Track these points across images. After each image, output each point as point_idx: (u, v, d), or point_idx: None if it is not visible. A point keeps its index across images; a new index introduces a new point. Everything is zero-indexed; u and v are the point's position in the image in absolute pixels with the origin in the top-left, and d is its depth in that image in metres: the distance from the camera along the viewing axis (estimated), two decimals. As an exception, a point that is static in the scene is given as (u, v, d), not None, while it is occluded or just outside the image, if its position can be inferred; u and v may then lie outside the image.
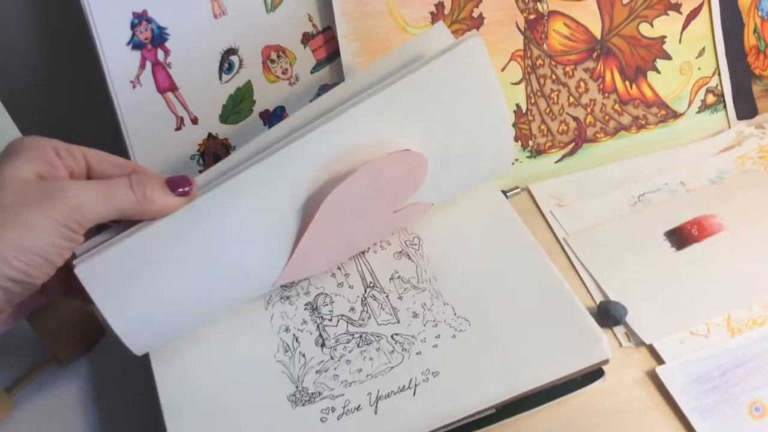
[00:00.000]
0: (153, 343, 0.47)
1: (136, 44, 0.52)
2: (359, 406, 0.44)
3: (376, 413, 0.44)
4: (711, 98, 0.65)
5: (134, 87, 0.53)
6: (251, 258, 0.46)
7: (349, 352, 0.47)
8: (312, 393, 0.45)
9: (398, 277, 0.50)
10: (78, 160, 0.42)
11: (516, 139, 0.61)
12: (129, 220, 0.44)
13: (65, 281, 0.44)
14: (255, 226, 0.46)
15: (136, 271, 0.44)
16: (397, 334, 0.47)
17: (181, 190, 0.43)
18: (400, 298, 0.49)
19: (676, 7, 0.62)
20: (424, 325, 0.47)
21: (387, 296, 0.49)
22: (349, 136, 0.46)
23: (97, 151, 0.43)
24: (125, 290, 0.44)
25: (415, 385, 0.45)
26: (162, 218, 0.43)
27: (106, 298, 0.43)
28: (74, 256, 0.43)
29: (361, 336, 0.47)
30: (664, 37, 0.63)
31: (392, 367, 0.45)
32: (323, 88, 0.59)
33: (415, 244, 0.52)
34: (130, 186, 0.41)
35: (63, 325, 0.53)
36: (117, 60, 0.51)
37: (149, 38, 0.52)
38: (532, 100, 0.61)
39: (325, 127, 0.45)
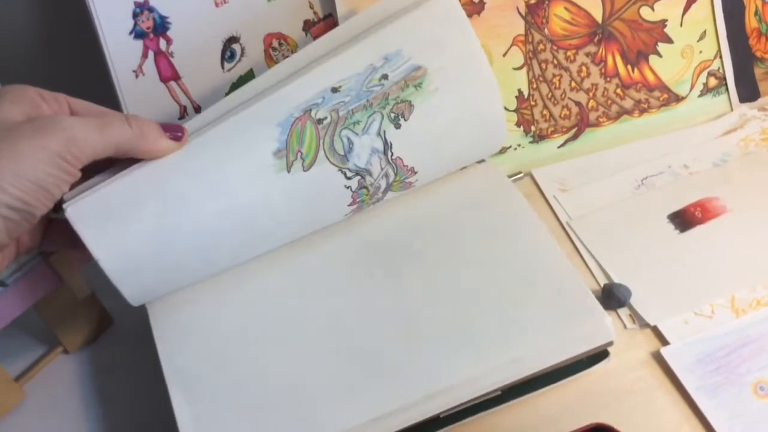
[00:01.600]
0: (150, 292, 0.47)
1: (138, 34, 0.52)
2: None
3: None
4: (713, 81, 0.65)
5: (137, 76, 0.53)
6: (246, 199, 0.47)
7: None
8: None
9: None
10: (62, 104, 0.43)
11: (518, 125, 0.62)
12: (119, 167, 0.45)
13: (47, 232, 0.45)
14: (249, 168, 0.46)
15: (128, 213, 0.44)
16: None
17: (173, 134, 0.45)
18: None
19: (677, -10, 0.62)
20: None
21: None
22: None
23: (81, 100, 0.44)
24: (117, 233, 0.44)
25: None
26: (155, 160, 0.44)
27: (97, 240, 0.44)
28: (62, 202, 0.43)
29: None
30: (665, 20, 0.63)
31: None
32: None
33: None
34: (127, 121, 0.42)
35: (70, 313, 0.53)
36: (120, 49, 0.51)
37: (151, 27, 0.52)
38: (534, 85, 0.61)
39: (291, 86, 0.47)
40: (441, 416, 0.44)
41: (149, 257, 0.45)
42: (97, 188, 0.44)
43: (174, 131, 0.45)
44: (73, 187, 0.44)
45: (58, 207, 0.44)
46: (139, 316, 0.49)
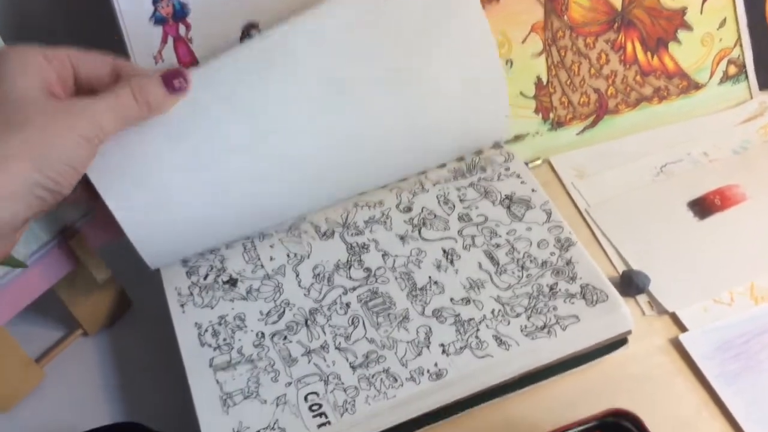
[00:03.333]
0: (166, 249, 0.49)
1: (158, 19, 0.52)
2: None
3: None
4: (733, 69, 0.65)
5: (156, 62, 0.53)
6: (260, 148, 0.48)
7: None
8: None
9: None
10: (64, 64, 0.44)
11: (537, 111, 0.61)
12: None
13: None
14: (257, 113, 0.48)
15: (141, 163, 0.46)
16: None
17: (177, 83, 0.45)
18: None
19: (698, -22, 0.62)
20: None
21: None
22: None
23: (78, 51, 0.45)
24: (133, 184, 0.46)
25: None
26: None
27: (112, 191, 0.45)
28: None
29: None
30: (685, 8, 0.62)
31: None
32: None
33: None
34: (134, 98, 0.44)
35: (91, 296, 0.54)
36: (140, 35, 0.52)
37: (171, 13, 0.52)
38: (553, 72, 0.61)
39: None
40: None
41: (168, 214, 0.47)
42: (109, 145, 0.45)
43: (176, 78, 0.45)
44: None
45: None
46: (158, 300, 0.50)
